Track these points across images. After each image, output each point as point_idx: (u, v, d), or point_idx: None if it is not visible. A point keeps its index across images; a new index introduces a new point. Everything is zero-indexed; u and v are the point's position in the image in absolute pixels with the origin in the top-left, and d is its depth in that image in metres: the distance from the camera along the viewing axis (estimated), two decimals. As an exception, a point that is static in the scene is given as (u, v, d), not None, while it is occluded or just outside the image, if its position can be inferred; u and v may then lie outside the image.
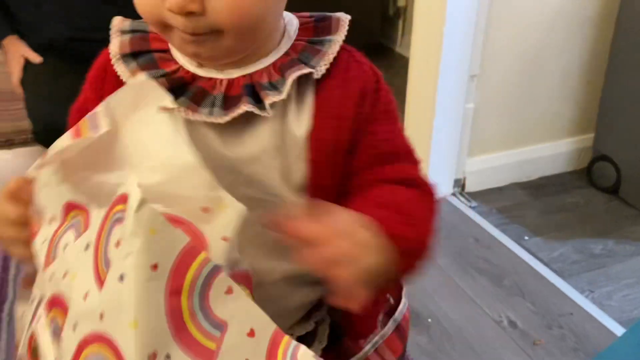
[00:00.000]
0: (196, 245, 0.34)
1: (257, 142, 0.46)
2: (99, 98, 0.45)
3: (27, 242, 0.43)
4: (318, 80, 0.47)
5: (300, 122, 0.47)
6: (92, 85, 0.54)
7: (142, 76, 0.44)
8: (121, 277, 0.32)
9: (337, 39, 0.49)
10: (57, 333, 0.36)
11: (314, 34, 0.49)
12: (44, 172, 0.42)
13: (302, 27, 0.50)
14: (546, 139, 1.54)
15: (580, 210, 1.43)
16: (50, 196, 0.42)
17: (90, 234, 0.36)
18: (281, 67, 0.47)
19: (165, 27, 0.43)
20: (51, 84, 1.65)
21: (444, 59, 1.33)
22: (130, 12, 1.65)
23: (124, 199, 0.33)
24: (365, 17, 2.33)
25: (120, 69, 0.48)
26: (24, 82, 1.71)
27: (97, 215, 0.37)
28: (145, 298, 0.32)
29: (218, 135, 0.46)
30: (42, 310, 0.38)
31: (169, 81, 0.46)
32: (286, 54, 0.48)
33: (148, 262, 0.32)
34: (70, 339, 0.34)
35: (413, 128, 1.43)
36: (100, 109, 0.41)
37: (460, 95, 1.40)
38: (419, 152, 0.53)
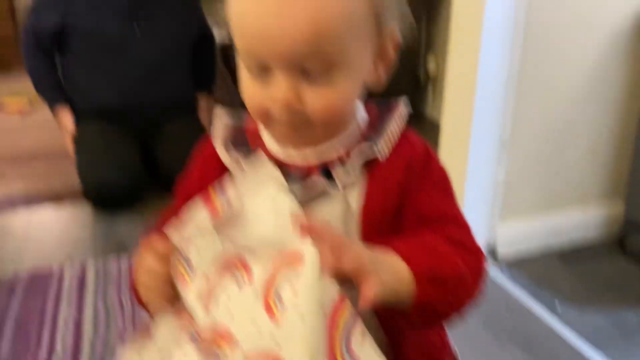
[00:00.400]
0: (342, 295, 0.44)
1: (330, 213, 0.53)
2: (203, 179, 0.57)
3: (167, 296, 0.50)
4: (376, 161, 0.54)
5: (357, 196, 0.54)
6: (199, 168, 0.62)
7: (263, 159, 0.54)
8: (302, 318, 0.42)
9: (397, 125, 0.56)
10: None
11: (377, 118, 0.56)
12: (192, 233, 0.50)
13: (367, 111, 0.58)
14: (578, 205, 1.55)
15: (613, 278, 1.42)
16: (201, 255, 0.50)
17: (257, 285, 0.45)
18: (350, 150, 0.54)
19: (268, 118, 0.51)
20: (100, 145, 1.76)
21: (475, 125, 1.38)
22: (174, 80, 1.82)
23: (297, 256, 0.44)
24: (397, 82, 2.40)
25: (223, 155, 0.56)
26: (75, 142, 1.82)
27: (261, 270, 0.45)
28: (317, 336, 0.42)
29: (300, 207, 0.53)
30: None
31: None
32: (354, 137, 0.55)
33: (321, 308, 0.43)
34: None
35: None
36: (229, 185, 0.51)
37: (491, 160, 1.44)
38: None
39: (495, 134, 1.41)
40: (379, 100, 0.58)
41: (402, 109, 0.57)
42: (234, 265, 0.47)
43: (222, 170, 0.57)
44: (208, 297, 0.47)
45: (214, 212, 0.50)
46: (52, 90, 1.87)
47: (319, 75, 0.48)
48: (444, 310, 0.51)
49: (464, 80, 1.40)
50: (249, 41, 0.49)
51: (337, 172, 0.53)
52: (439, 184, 0.57)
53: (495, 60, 1.36)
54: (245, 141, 0.57)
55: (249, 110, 0.53)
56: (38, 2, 1.81)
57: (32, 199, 1.80)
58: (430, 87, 2.62)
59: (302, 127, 0.51)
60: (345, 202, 0.54)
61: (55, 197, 1.81)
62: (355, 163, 0.53)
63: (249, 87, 0.51)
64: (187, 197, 0.56)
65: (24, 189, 1.88)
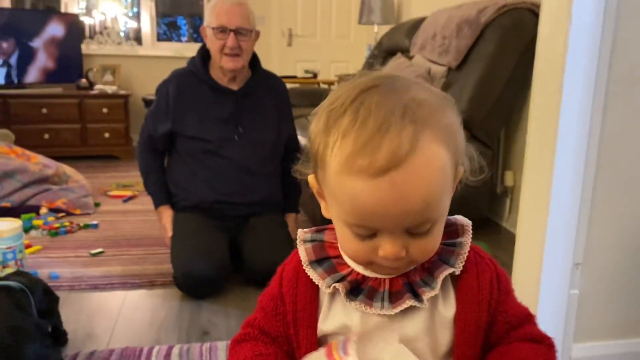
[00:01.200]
0: None
1: (415, 325, 0.61)
2: (293, 295, 0.66)
3: None
4: (457, 275, 0.63)
5: (448, 307, 0.63)
6: (287, 282, 0.68)
7: (396, 346, 0.61)
8: None
9: (466, 241, 0.64)
10: None
11: (447, 238, 0.63)
12: None
13: None
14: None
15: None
16: None
17: None
18: (429, 268, 0.63)
19: (371, 264, 0.59)
20: (193, 237, 1.92)
21: (548, 245, 1.42)
22: (265, 182, 2.04)
23: None
24: (474, 195, 2.49)
25: (311, 273, 0.64)
26: (172, 232, 2.00)
27: None
28: None
29: (388, 320, 0.62)
30: None
31: (350, 283, 0.62)
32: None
33: None
34: None
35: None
36: (352, 339, 0.59)
37: (564, 281, 1.45)
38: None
39: (568, 256, 1.44)
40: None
41: (466, 226, 0.65)
42: None
43: (310, 287, 0.65)
44: None
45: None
46: (159, 191, 2.07)
47: (421, 233, 0.56)
48: None
49: (539, 196, 1.46)
50: (364, 217, 0.54)
51: (421, 288, 0.61)
52: (510, 291, 0.66)
53: (568, 181, 1.42)
54: (327, 255, 0.65)
55: (351, 258, 0.62)
56: (154, 110, 2.06)
57: (127, 281, 1.97)
58: (507, 201, 2.67)
59: (402, 268, 0.60)
60: (432, 313, 0.61)
61: (149, 281, 1.97)
62: (435, 278, 0.61)
63: (352, 242, 0.58)
64: (274, 311, 0.67)
65: (121, 271, 2.06)
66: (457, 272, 0.62)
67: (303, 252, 0.66)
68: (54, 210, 2.77)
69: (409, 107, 0.54)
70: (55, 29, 4.20)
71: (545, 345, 0.65)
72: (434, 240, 0.58)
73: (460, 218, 0.66)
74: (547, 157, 1.43)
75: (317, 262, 0.65)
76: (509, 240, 1.76)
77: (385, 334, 0.61)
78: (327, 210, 0.62)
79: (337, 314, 0.64)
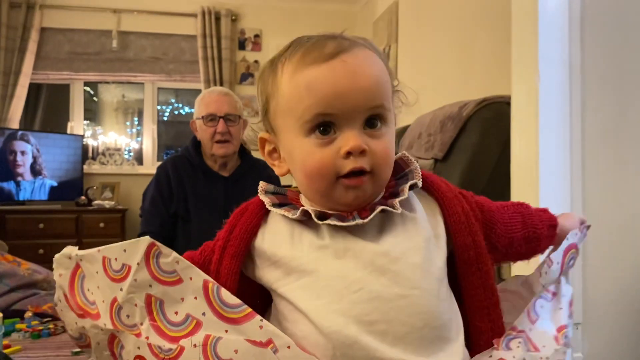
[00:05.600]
0: None
1: (400, 240, 0.62)
2: (232, 226, 0.68)
3: None
4: (435, 196, 0.67)
5: (422, 213, 0.65)
6: (231, 218, 0.72)
7: None
8: None
9: (415, 165, 0.68)
10: None
11: (396, 174, 0.68)
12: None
13: None
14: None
15: None
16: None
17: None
18: (391, 192, 0.65)
19: (335, 179, 0.61)
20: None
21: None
22: None
23: None
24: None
25: (277, 210, 0.66)
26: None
27: None
28: None
29: (372, 242, 0.61)
30: None
31: (318, 211, 0.63)
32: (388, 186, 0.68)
33: None
34: None
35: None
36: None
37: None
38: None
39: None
40: None
41: (408, 156, 0.69)
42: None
43: (251, 219, 0.67)
44: None
45: (205, 291, 0.61)
46: None
47: (376, 128, 0.61)
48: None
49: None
50: (324, 103, 0.60)
51: (390, 200, 0.62)
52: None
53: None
54: (289, 203, 0.67)
55: (315, 176, 0.63)
56: (145, 211, 2.09)
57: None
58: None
59: (366, 181, 0.61)
60: (407, 232, 0.62)
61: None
62: (403, 190, 0.63)
63: (315, 153, 0.61)
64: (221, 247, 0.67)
65: None
66: (420, 184, 0.65)
67: (266, 198, 0.68)
68: (40, 315, 2.66)
69: (340, 35, 0.64)
70: (60, 149, 4.37)
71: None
72: (390, 141, 0.62)
73: (400, 154, 0.71)
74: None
75: (279, 205, 0.67)
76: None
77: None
78: (280, 165, 0.68)
79: (304, 238, 0.64)
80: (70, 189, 4.39)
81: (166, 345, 0.60)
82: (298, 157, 0.64)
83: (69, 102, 4.78)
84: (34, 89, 4.73)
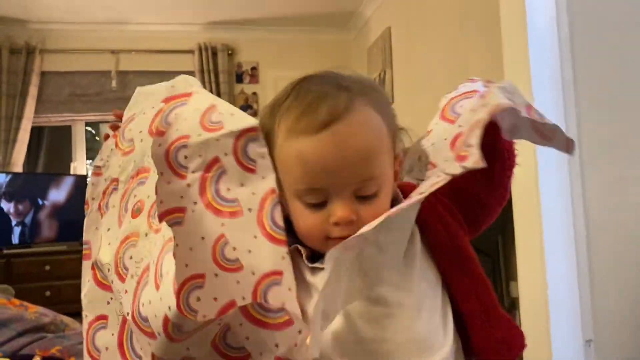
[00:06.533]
0: None
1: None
2: None
3: None
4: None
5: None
6: None
7: None
8: None
9: (400, 196, 0.68)
10: None
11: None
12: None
13: None
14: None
15: None
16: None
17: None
18: None
19: (325, 239, 0.62)
20: None
21: (553, 321, 1.36)
22: None
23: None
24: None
25: None
26: None
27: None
28: None
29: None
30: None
31: (310, 250, 0.65)
32: None
33: None
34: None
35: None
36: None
37: (578, 362, 1.36)
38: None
39: (576, 330, 1.37)
40: None
41: (396, 190, 0.69)
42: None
43: None
44: None
45: (264, 196, 0.62)
46: None
47: (367, 195, 0.61)
48: None
49: (534, 266, 1.43)
50: (312, 177, 0.60)
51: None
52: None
53: (561, 256, 1.40)
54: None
55: (306, 237, 0.64)
56: None
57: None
58: (516, 314, 2.56)
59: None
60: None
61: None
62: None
63: (306, 216, 0.62)
64: None
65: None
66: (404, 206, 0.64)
67: None
68: (48, 359, 2.66)
69: (342, 83, 0.62)
70: (65, 191, 4.40)
71: None
72: (383, 205, 0.61)
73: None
74: (536, 230, 1.44)
75: (285, 221, 0.65)
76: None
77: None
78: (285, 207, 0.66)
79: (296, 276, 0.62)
80: (76, 229, 4.39)
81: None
82: (292, 215, 0.64)
83: (71, 143, 4.83)
84: (36, 132, 4.78)
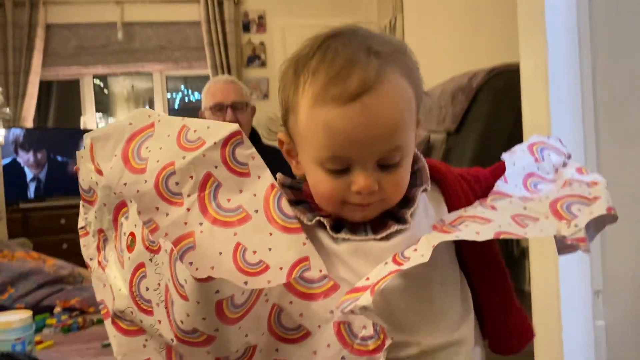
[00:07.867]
0: None
1: (407, 239, 0.62)
2: None
3: None
4: (437, 179, 0.67)
5: (441, 212, 0.66)
6: None
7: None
8: None
9: (423, 163, 0.67)
10: None
11: None
12: None
13: None
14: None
15: None
16: None
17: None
18: (401, 200, 0.64)
19: (343, 205, 0.61)
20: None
21: (563, 273, 1.37)
22: None
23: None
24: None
25: (292, 209, 0.64)
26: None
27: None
28: None
29: (380, 240, 0.62)
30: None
31: (332, 219, 0.63)
32: None
33: None
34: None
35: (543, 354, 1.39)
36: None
37: (587, 312, 1.38)
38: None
39: (586, 281, 1.38)
40: None
41: (417, 153, 0.67)
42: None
43: None
44: None
45: (267, 193, 0.63)
46: None
47: (390, 165, 0.60)
48: None
49: (548, 257, 1.43)
50: (339, 146, 0.58)
51: (402, 210, 0.63)
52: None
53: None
54: (305, 199, 0.67)
55: (324, 201, 0.63)
56: None
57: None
58: (526, 263, 2.59)
59: (375, 205, 0.61)
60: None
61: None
62: (414, 198, 0.63)
63: (326, 182, 0.61)
64: None
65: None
66: (428, 188, 0.64)
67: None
68: (68, 309, 2.74)
69: (372, 47, 0.58)
70: (77, 145, 4.43)
71: None
72: (404, 175, 0.60)
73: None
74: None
75: (295, 202, 0.65)
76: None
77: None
78: (298, 167, 0.66)
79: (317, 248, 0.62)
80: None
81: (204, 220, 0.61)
82: (310, 179, 0.64)
83: (80, 97, 4.82)
84: (45, 87, 4.77)
